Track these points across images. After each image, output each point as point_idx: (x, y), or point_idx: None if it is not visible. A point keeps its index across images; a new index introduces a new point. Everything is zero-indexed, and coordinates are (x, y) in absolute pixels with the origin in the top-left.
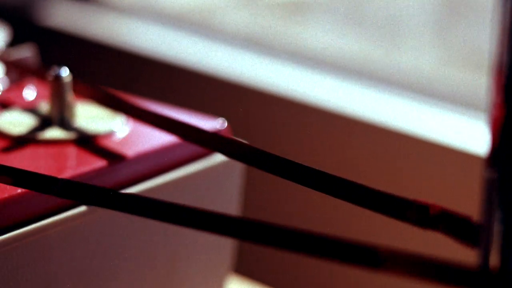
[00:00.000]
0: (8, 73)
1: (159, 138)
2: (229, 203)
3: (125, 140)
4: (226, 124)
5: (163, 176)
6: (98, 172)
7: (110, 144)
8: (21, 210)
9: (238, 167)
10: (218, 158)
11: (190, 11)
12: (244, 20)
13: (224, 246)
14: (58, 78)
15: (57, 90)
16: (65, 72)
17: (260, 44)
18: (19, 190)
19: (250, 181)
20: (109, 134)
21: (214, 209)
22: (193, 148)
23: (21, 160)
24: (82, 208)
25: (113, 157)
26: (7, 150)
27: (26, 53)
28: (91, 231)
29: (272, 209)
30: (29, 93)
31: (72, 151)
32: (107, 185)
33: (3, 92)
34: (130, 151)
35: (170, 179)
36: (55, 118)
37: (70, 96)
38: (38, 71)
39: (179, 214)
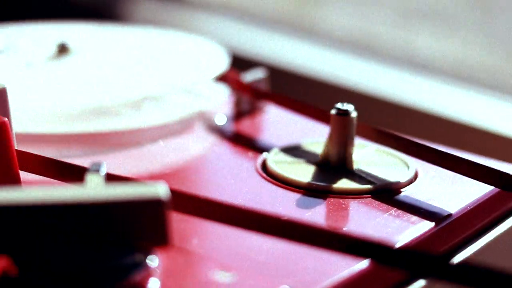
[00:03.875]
0: (238, 98)
1: (469, 190)
2: None
3: (432, 191)
4: None
5: (485, 235)
6: (428, 237)
7: (413, 198)
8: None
9: None
10: None
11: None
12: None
13: None
14: (345, 114)
15: (343, 130)
16: (350, 108)
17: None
18: (365, 265)
19: None
20: (407, 184)
21: None
22: (502, 201)
23: (327, 217)
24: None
25: (434, 216)
26: (305, 204)
27: (258, 76)
28: None
29: None
30: (274, 125)
31: (380, 209)
32: (437, 251)
33: (240, 121)
34: (453, 208)
35: (491, 237)
36: (336, 161)
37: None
38: (284, 99)
39: None
